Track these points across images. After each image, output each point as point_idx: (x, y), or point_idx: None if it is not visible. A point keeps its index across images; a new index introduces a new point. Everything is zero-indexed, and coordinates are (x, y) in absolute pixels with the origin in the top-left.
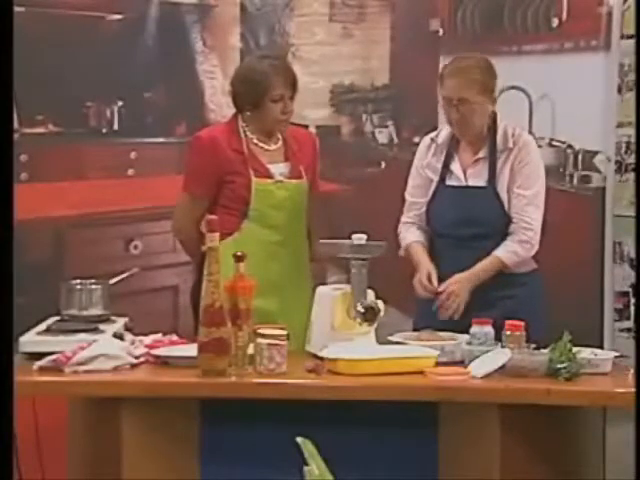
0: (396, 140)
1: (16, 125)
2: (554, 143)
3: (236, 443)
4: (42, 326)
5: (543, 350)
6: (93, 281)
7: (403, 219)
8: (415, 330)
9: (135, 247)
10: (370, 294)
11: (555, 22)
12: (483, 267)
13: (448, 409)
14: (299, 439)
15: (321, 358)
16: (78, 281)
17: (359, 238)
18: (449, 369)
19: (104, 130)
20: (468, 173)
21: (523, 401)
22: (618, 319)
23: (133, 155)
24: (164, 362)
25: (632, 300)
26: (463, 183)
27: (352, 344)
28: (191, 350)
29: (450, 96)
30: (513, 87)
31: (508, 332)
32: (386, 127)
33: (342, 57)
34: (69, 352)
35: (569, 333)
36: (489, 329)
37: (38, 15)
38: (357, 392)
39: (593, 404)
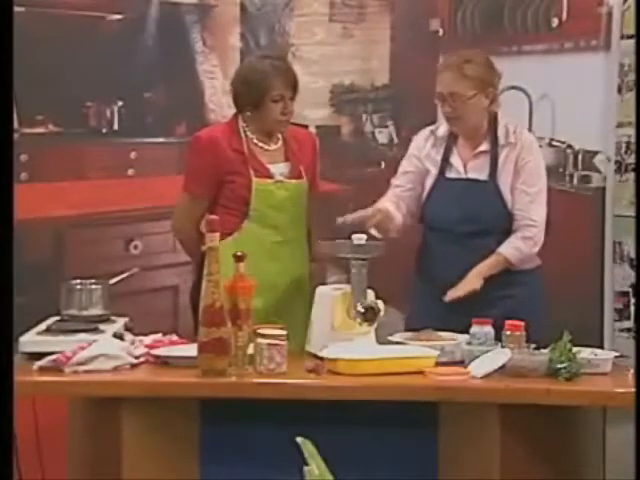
0: (396, 140)
1: (16, 125)
2: (554, 143)
3: (236, 443)
4: (42, 326)
5: (543, 350)
6: (93, 281)
7: (380, 200)
8: (408, 330)
9: (135, 247)
10: (370, 294)
11: (555, 22)
12: (488, 264)
13: (448, 409)
14: (299, 439)
15: (321, 358)
16: (78, 281)
17: (359, 238)
18: (449, 369)
19: (104, 130)
20: (469, 166)
21: (523, 401)
22: (618, 319)
23: (133, 155)
24: (164, 362)
25: (632, 300)
26: (463, 176)
27: (352, 344)
28: (191, 350)
29: (441, 91)
30: (513, 87)
31: (508, 332)
32: (386, 127)
33: (342, 57)
34: (69, 352)
35: (569, 333)
36: (489, 329)
37: (38, 15)
38: (357, 392)
39: (593, 404)
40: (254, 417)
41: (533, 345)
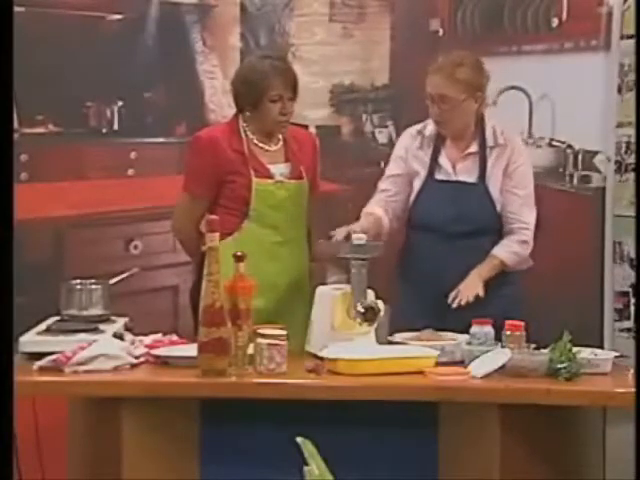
0: (396, 140)
1: (16, 125)
2: (554, 143)
3: (236, 443)
4: (42, 326)
5: (543, 350)
6: (93, 281)
7: (369, 204)
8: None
9: (135, 247)
10: (370, 294)
11: (555, 22)
12: (486, 268)
13: (448, 409)
14: (299, 439)
15: (321, 358)
16: (78, 281)
17: (359, 238)
18: (449, 369)
19: (104, 130)
20: (458, 168)
21: (523, 401)
22: (618, 319)
23: (133, 155)
24: (164, 362)
25: (632, 300)
26: (452, 177)
27: (352, 344)
28: (191, 350)
29: (431, 92)
30: (513, 87)
31: (508, 332)
32: (386, 127)
33: (342, 57)
34: (69, 352)
35: (569, 333)
36: (489, 329)
37: (38, 15)
38: (357, 392)
39: (593, 404)
40: (254, 417)
41: (533, 345)
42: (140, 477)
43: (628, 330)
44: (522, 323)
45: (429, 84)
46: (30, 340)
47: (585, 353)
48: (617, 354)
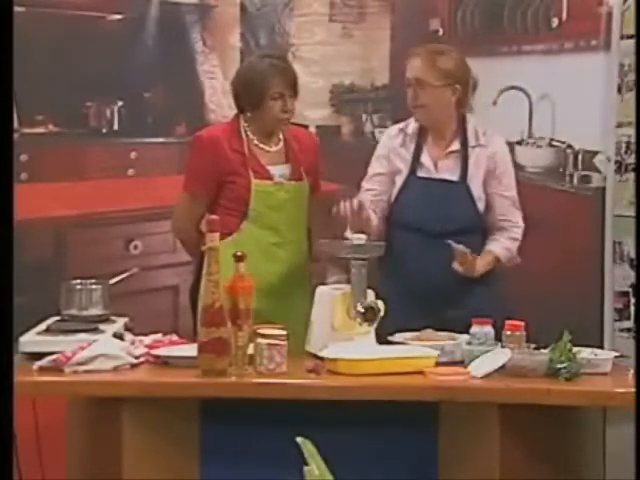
0: None
1: (16, 125)
2: (554, 143)
3: (236, 443)
4: (42, 326)
5: (543, 350)
6: (93, 281)
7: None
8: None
9: (135, 247)
10: (370, 294)
11: (555, 22)
12: (484, 263)
13: (448, 409)
14: (299, 439)
15: (321, 358)
16: (78, 281)
17: (359, 238)
18: (449, 369)
19: (104, 130)
20: (439, 166)
21: (523, 401)
22: (618, 319)
23: (133, 155)
24: (164, 362)
25: (632, 300)
26: (434, 175)
27: (352, 344)
28: (191, 350)
29: (408, 77)
30: (513, 87)
31: (508, 332)
32: (386, 127)
33: (342, 57)
34: (69, 352)
35: (569, 333)
36: (489, 329)
37: (38, 15)
38: (357, 392)
39: (593, 404)
40: (254, 417)
41: (533, 345)
42: (140, 477)
43: (628, 330)
44: (522, 323)
45: (408, 68)
46: (30, 340)
47: (585, 353)
48: (617, 354)
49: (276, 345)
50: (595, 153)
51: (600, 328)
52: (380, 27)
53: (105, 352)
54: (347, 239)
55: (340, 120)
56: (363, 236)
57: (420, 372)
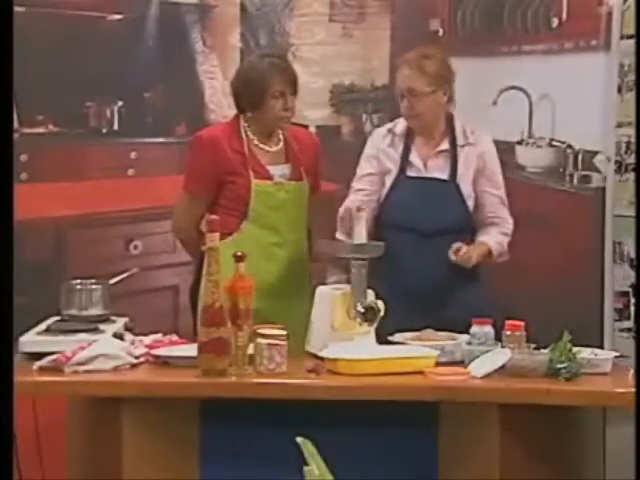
0: None
1: (16, 125)
2: (554, 143)
3: (236, 443)
4: (42, 326)
5: (543, 350)
6: (93, 281)
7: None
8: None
9: (135, 247)
10: (370, 294)
11: (555, 22)
12: (478, 253)
13: (448, 409)
14: (299, 439)
15: (321, 358)
16: (78, 281)
17: (359, 238)
18: (449, 369)
19: (104, 130)
20: (429, 165)
21: (523, 401)
22: (618, 319)
23: (133, 155)
24: (164, 362)
25: (632, 300)
26: (423, 174)
27: (352, 344)
28: (191, 350)
29: (400, 86)
30: (513, 87)
31: (508, 332)
32: None
33: (342, 57)
34: (69, 352)
35: (569, 333)
36: (489, 329)
37: (38, 15)
38: (357, 392)
39: (593, 404)
40: (254, 417)
41: (533, 345)
42: (140, 477)
43: (628, 330)
44: (522, 323)
45: (398, 78)
46: (30, 340)
47: (585, 353)
48: (617, 354)
49: (276, 345)
50: (595, 153)
51: (600, 328)
52: (380, 27)
53: (105, 352)
54: (340, 240)
55: (340, 120)
56: (363, 236)
57: (420, 372)
